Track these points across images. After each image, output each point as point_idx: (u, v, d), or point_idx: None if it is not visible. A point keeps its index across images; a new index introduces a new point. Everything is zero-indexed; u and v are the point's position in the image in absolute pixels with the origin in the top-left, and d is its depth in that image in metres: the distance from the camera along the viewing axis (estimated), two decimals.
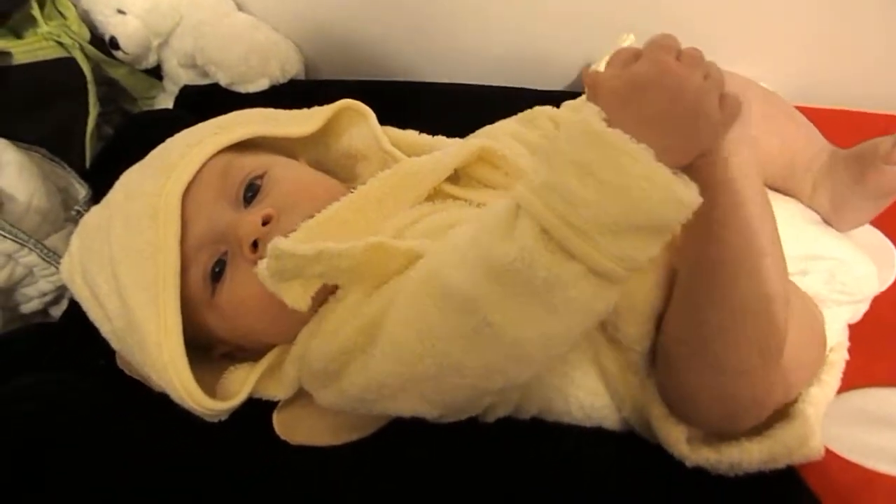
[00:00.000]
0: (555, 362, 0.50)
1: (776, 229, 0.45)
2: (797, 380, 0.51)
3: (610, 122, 0.37)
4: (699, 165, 0.41)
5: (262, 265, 0.44)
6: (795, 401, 0.50)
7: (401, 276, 0.45)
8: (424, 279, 0.42)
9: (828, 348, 0.55)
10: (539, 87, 0.86)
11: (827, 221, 0.60)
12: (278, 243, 0.43)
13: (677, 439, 0.48)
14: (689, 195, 0.37)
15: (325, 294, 0.48)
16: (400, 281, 0.45)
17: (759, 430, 0.48)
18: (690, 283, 0.46)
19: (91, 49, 0.83)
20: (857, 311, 0.58)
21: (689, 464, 0.48)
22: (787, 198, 0.61)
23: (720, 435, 0.49)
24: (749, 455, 0.47)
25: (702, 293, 0.45)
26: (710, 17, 0.83)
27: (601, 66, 0.66)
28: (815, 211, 0.60)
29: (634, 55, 0.41)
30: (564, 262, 0.37)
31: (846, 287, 0.55)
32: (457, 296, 0.40)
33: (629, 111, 0.38)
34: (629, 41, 0.71)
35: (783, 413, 0.49)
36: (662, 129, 0.38)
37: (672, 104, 0.38)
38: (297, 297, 0.45)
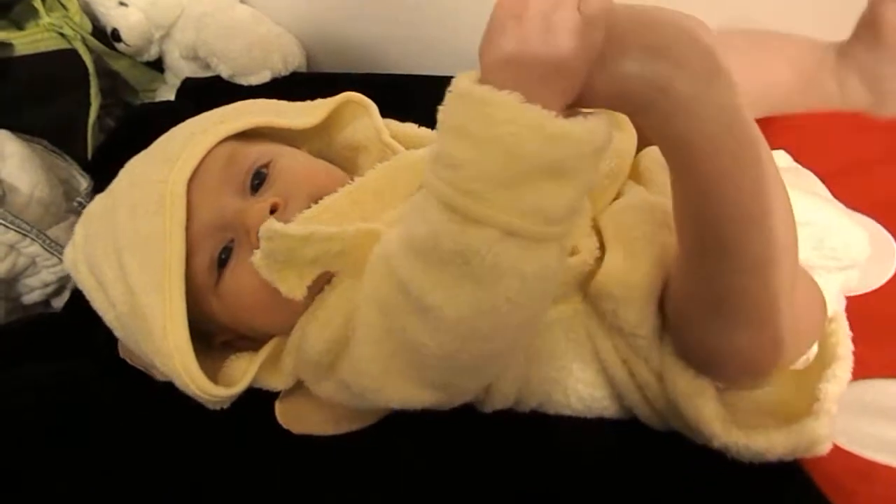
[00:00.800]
0: (524, 340, 0.48)
1: (768, 172, 0.40)
2: (806, 331, 0.50)
3: (481, 77, 0.36)
4: (648, 125, 0.39)
5: (258, 254, 0.45)
6: (817, 399, 0.49)
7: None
8: (377, 255, 0.43)
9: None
10: None
11: (875, 110, 0.56)
12: (270, 224, 0.44)
13: (710, 416, 0.47)
14: (569, 129, 0.34)
15: (322, 284, 0.48)
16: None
17: (787, 421, 0.48)
18: (692, 249, 0.44)
19: (93, 41, 0.83)
20: (850, 280, 0.57)
21: (717, 443, 0.47)
22: (782, 170, 0.60)
23: (747, 422, 0.48)
24: (773, 445, 0.46)
25: (707, 260, 0.43)
26: (712, 13, 0.83)
27: None
28: (854, 105, 0.56)
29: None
30: (471, 230, 0.36)
31: (836, 252, 0.54)
32: (395, 277, 0.40)
33: (492, 55, 0.36)
34: None
35: (806, 409, 0.49)
36: (525, 61, 0.35)
37: (518, 27, 0.35)
38: (293, 285, 0.45)
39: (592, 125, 0.36)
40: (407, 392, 0.45)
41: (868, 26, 0.53)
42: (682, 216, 0.44)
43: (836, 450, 0.53)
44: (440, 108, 0.38)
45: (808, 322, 0.50)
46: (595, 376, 0.51)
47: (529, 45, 0.35)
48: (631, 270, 0.48)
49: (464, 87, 0.36)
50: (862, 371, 0.56)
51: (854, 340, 0.56)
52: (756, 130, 0.40)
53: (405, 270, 0.40)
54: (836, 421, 0.52)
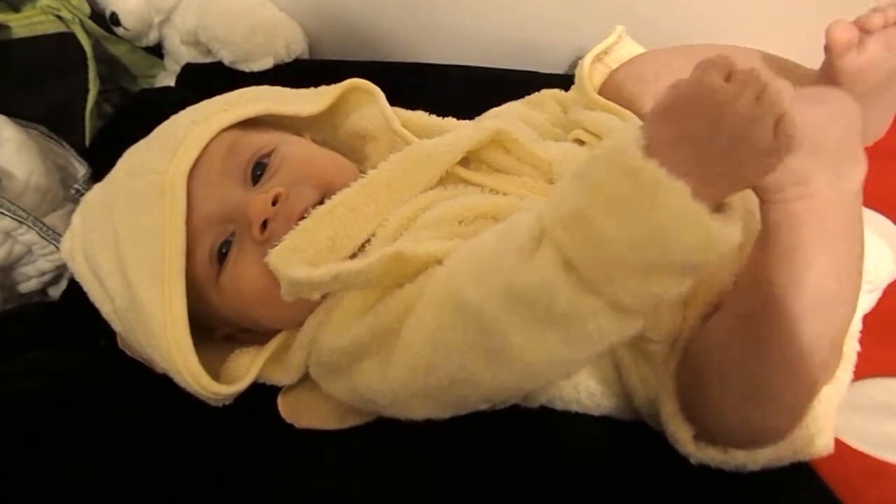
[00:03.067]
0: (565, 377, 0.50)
1: (859, 271, 0.42)
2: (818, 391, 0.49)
3: (649, 144, 0.35)
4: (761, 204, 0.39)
5: (273, 255, 0.44)
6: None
7: (419, 283, 0.44)
8: (444, 293, 0.42)
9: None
10: (543, 71, 0.85)
11: None
12: (292, 274, 0.43)
13: (685, 437, 0.47)
14: (726, 237, 0.34)
15: None
16: (418, 288, 0.44)
17: None
18: (751, 307, 0.43)
19: (91, 24, 0.81)
20: (872, 300, 0.57)
21: (693, 461, 0.47)
22: None
23: None
24: (755, 457, 0.46)
25: (762, 323, 0.42)
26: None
27: (587, 59, 0.66)
28: None
29: (686, 81, 0.36)
30: (584, 296, 0.36)
31: (867, 275, 0.53)
32: (476, 315, 0.39)
33: (668, 136, 0.35)
34: (618, 34, 0.69)
35: None
36: (701, 157, 0.34)
37: (711, 128, 0.34)
38: (315, 296, 0.45)
39: (737, 231, 0.35)
40: (428, 411, 0.45)
41: (828, 77, 0.53)
42: (750, 270, 0.44)
43: (846, 449, 0.52)
44: (597, 160, 0.36)
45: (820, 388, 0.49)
46: (608, 374, 0.51)
47: (733, 134, 0.34)
48: None
49: (633, 160, 0.34)
50: (871, 369, 0.56)
51: (863, 338, 0.55)
52: (860, 217, 0.42)
53: (493, 309, 0.39)
54: (844, 420, 0.52)
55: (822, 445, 0.47)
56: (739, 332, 0.44)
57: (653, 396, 0.49)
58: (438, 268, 0.44)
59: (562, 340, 0.38)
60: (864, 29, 0.50)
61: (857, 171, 0.42)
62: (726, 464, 0.47)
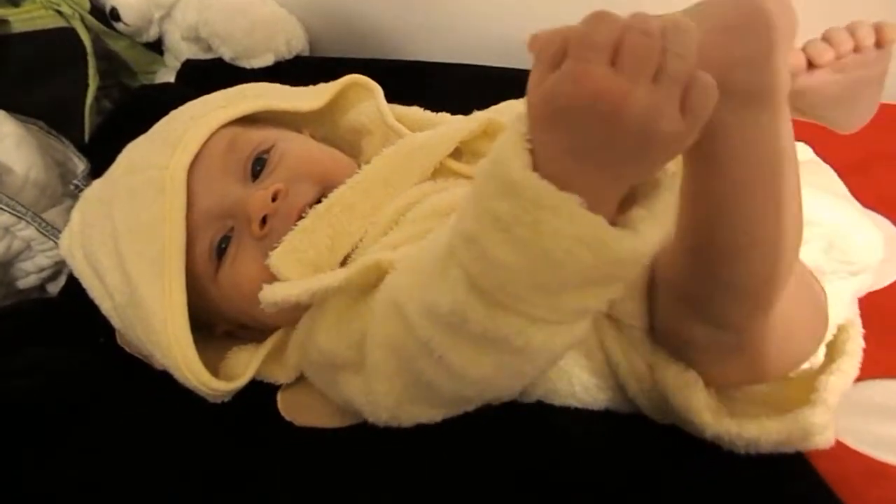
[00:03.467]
0: (539, 379, 0.48)
1: (791, 193, 0.38)
2: (793, 350, 0.49)
3: (535, 152, 0.30)
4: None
5: (274, 257, 0.44)
6: (816, 389, 0.49)
7: (377, 291, 0.43)
8: (388, 304, 0.40)
9: (835, 325, 0.53)
10: None
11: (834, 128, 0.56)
12: (267, 296, 0.44)
13: (699, 406, 0.46)
14: (630, 246, 0.30)
15: None
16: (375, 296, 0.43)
17: (781, 410, 0.47)
18: (693, 235, 0.40)
19: (91, 20, 0.81)
20: (863, 283, 0.56)
21: (709, 433, 0.46)
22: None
23: (741, 410, 0.47)
24: (767, 433, 0.46)
25: (700, 251, 0.40)
26: None
27: None
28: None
29: (560, 49, 0.29)
30: (500, 316, 0.33)
31: (847, 256, 0.52)
32: (412, 331, 0.38)
33: (556, 136, 0.30)
34: None
35: (805, 399, 0.48)
36: (605, 157, 0.30)
37: (609, 133, 0.29)
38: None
39: (650, 235, 0.31)
40: (419, 414, 0.44)
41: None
42: (688, 213, 0.40)
43: (845, 450, 0.52)
44: (483, 171, 0.32)
45: (794, 345, 0.48)
46: (600, 367, 0.50)
47: (635, 135, 0.29)
48: None
49: (512, 174, 0.30)
50: (872, 370, 0.56)
51: (865, 338, 0.55)
52: (793, 150, 0.38)
53: (425, 332, 0.37)
54: (845, 420, 0.52)
55: (829, 438, 0.47)
56: (679, 255, 0.41)
57: (647, 387, 0.49)
58: (389, 275, 0.42)
59: (498, 355, 0.36)
60: (813, 64, 0.50)
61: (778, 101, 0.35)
62: (740, 437, 0.46)
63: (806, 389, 0.49)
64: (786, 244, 0.39)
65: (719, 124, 0.33)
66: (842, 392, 0.51)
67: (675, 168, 0.34)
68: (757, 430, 0.46)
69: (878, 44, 0.51)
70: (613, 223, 0.31)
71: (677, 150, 0.31)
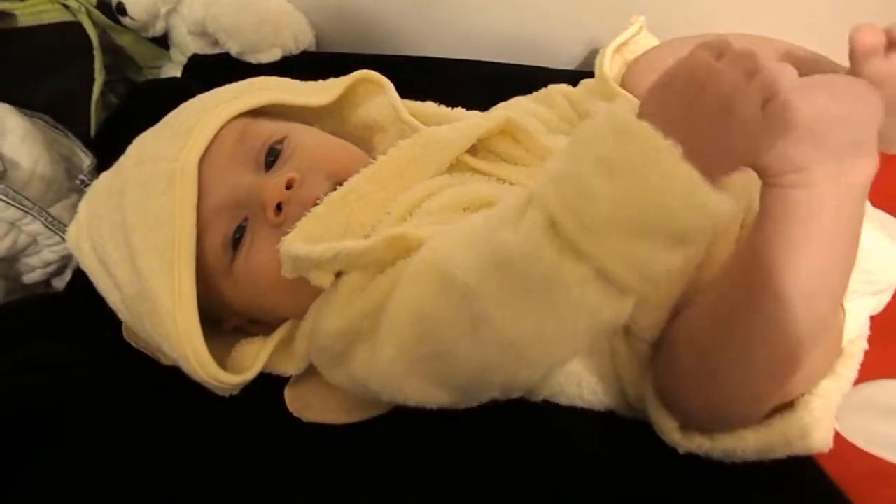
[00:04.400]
0: (556, 368, 0.48)
1: (849, 271, 0.41)
2: (801, 386, 0.49)
3: (641, 113, 0.35)
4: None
5: (286, 241, 0.44)
6: (810, 392, 0.49)
7: (407, 259, 0.43)
8: (428, 262, 0.41)
9: (846, 340, 0.53)
10: (549, 66, 0.85)
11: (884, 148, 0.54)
12: (292, 248, 0.43)
13: (670, 427, 0.47)
14: (714, 203, 0.33)
15: None
16: (406, 263, 0.43)
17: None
18: (728, 297, 0.43)
19: (97, 14, 0.81)
20: (881, 302, 0.56)
21: (681, 451, 0.47)
22: None
23: None
24: (744, 443, 0.46)
25: (737, 313, 0.42)
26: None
27: (609, 50, 0.65)
28: None
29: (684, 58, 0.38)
30: (569, 262, 0.35)
31: (871, 276, 0.52)
32: (457, 282, 0.38)
33: (662, 107, 0.36)
34: (639, 24, 0.69)
35: (787, 403, 0.48)
36: (692, 129, 0.34)
37: (698, 102, 0.35)
38: (322, 279, 0.44)
39: (729, 203, 0.34)
40: (426, 393, 0.43)
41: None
42: (735, 263, 0.43)
43: (855, 450, 0.52)
44: (588, 124, 0.36)
45: (802, 384, 0.49)
46: (608, 371, 0.50)
47: (720, 107, 0.35)
48: None
49: (622, 118, 0.34)
50: (880, 370, 0.55)
51: (872, 340, 0.55)
52: (861, 216, 0.41)
53: (474, 277, 0.37)
54: (853, 421, 0.52)
55: (819, 440, 0.47)
56: (709, 323, 0.43)
57: (641, 393, 0.49)
58: (429, 242, 0.42)
59: (545, 313, 0.36)
60: (892, 39, 0.48)
61: (864, 167, 0.39)
62: (714, 450, 0.46)
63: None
64: (831, 310, 0.42)
65: (800, 169, 0.38)
66: (840, 394, 0.50)
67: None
68: (732, 442, 0.46)
69: None
70: None
71: (753, 145, 0.36)
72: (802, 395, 0.49)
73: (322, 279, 0.44)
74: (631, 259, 0.34)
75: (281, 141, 0.51)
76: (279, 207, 0.48)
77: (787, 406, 0.48)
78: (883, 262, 0.53)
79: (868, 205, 0.58)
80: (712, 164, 0.35)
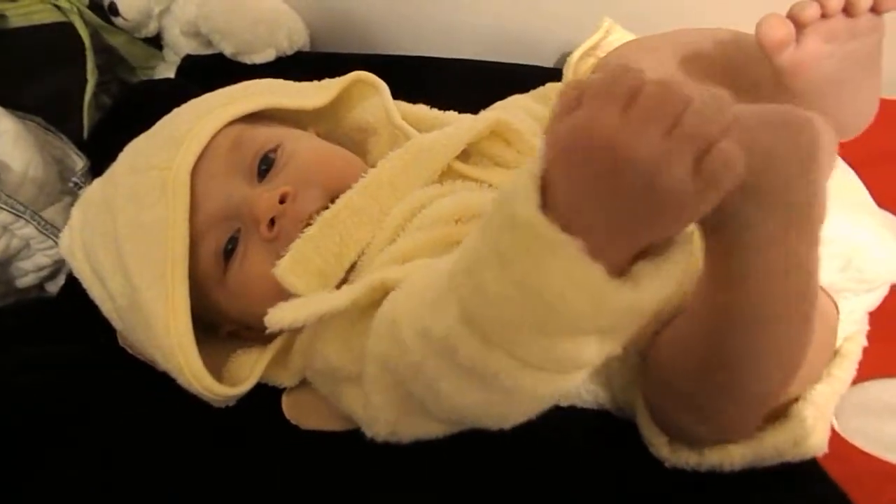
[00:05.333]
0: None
1: (816, 295, 0.37)
2: (795, 389, 0.48)
3: (547, 190, 0.30)
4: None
5: (281, 267, 0.44)
6: (796, 399, 0.48)
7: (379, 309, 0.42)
8: (386, 323, 0.40)
9: (841, 339, 0.53)
10: (545, 65, 0.84)
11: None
12: (274, 320, 0.42)
13: (660, 442, 0.46)
14: (629, 302, 0.29)
15: None
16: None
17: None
18: (707, 321, 0.39)
19: (89, 14, 0.81)
20: (877, 299, 0.56)
21: (668, 465, 0.46)
22: None
23: None
24: (731, 458, 0.45)
25: (716, 342, 0.39)
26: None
27: (575, 55, 0.65)
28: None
29: (578, 97, 0.30)
30: (491, 352, 0.32)
31: (864, 274, 0.51)
32: (405, 353, 0.38)
33: (570, 174, 0.29)
34: (604, 29, 0.68)
35: (778, 412, 0.47)
36: (611, 206, 0.29)
37: (614, 177, 0.28)
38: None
39: (652, 292, 0.30)
40: (421, 428, 0.44)
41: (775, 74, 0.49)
42: (706, 293, 0.38)
43: (857, 452, 0.52)
44: (491, 208, 0.32)
45: (795, 390, 0.48)
46: (601, 373, 0.50)
47: (639, 183, 0.28)
48: None
49: (520, 211, 0.29)
50: (881, 369, 0.55)
51: (873, 339, 0.55)
52: (816, 280, 0.36)
53: (417, 355, 0.37)
54: (855, 422, 0.51)
55: (813, 445, 0.46)
56: (682, 348, 0.42)
57: (630, 399, 0.49)
58: (391, 294, 0.41)
59: (487, 390, 0.35)
60: (797, 22, 0.45)
61: (817, 218, 0.34)
62: (700, 466, 0.45)
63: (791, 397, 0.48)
64: (799, 362, 0.38)
65: (742, 225, 0.33)
66: (836, 397, 0.50)
67: (692, 229, 0.32)
68: (719, 458, 0.45)
69: (875, 8, 0.46)
70: (621, 275, 0.30)
71: (688, 215, 0.29)
72: (796, 401, 0.48)
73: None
74: (554, 356, 0.32)
75: (275, 149, 0.50)
76: (272, 222, 0.47)
77: (778, 416, 0.46)
78: (876, 258, 0.52)
79: (866, 194, 0.58)
80: (642, 238, 0.30)
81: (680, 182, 0.28)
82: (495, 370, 0.33)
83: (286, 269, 0.44)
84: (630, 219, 0.29)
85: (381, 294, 0.42)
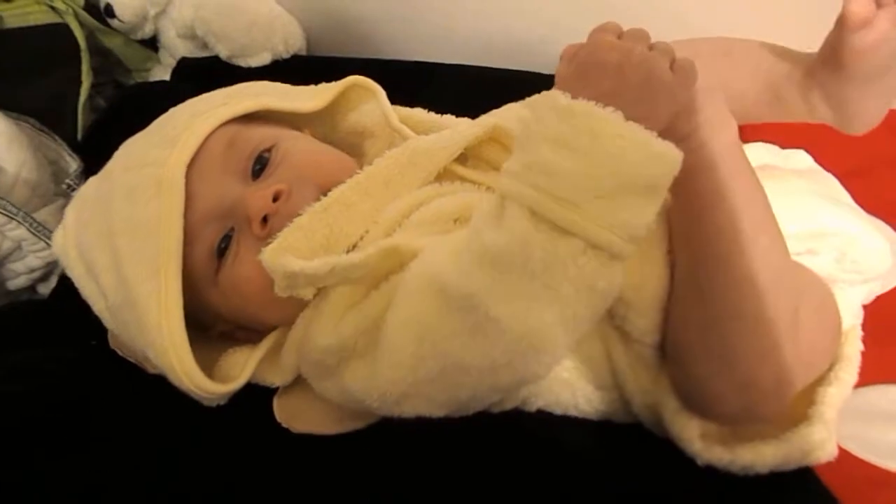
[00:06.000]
0: (565, 354, 0.46)
1: (767, 207, 0.46)
2: (816, 361, 0.50)
3: (573, 97, 0.38)
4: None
5: (267, 252, 0.43)
6: (814, 402, 0.49)
7: (401, 274, 0.43)
8: (420, 278, 0.41)
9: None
10: (542, 71, 0.85)
11: (842, 128, 0.57)
12: (287, 265, 0.42)
13: (691, 436, 0.46)
14: (668, 148, 0.37)
15: None
16: (399, 278, 0.43)
17: (775, 431, 0.47)
18: (687, 268, 0.46)
19: (85, 16, 0.80)
20: (871, 292, 0.56)
21: (700, 462, 0.47)
22: (789, 170, 0.59)
23: (736, 433, 0.47)
24: (762, 458, 0.46)
25: (700, 278, 0.45)
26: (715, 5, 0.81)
27: None
28: (822, 119, 0.57)
29: (580, 46, 0.42)
30: (559, 239, 0.37)
31: (858, 265, 0.53)
32: (454, 293, 0.39)
33: (584, 93, 0.38)
34: None
35: (802, 415, 0.48)
36: (621, 103, 0.38)
37: (621, 76, 0.39)
38: (309, 292, 0.44)
39: (678, 149, 0.37)
40: (423, 409, 0.43)
41: (832, 50, 0.52)
42: (677, 238, 0.47)
43: (849, 458, 0.52)
44: (532, 117, 0.39)
45: (816, 353, 0.49)
46: (606, 379, 0.50)
47: (641, 76, 0.40)
48: (644, 276, 0.47)
49: (565, 102, 0.38)
50: (876, 375, 0.55)
51: (866, 343, 0.55)
52: (746, 163, 0.47)
53: (471, 282, 0.38)
54: (849, 427, 0.51)
55: (830, 451, 0.47)
56: (684, 296, 0.46)
57: (650, 402, 0.49)
58: (420, 255, 0.43)
59: (548, 298, 0.38)
60: (878, 2, 0.49)
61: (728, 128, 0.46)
62: (733, 464, 0.46)
63: (804, 401, 0.49)
64: (769, 246, 0.45)
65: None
66: (842, 401, 0.50)
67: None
68: (752, 456, 0.46)
69: None
70: None
71: (677, 98, 0.42)
72: (815, 405, 0.49)
73: (307, 292, 0.44)
74: (613, 220, 0.37)
75: (270, 149, 0.50)
76: (265, 220, 0.47)
77: (803, 419, 0.48)
78: (869, 250, 0.54)
79: (849, 198, 0.59)
80: (648, 126, 0.38)
81: (668, 73, 0.41)
82: (563, 258, 0.37)
83: (272, 256, 0.43)
84: (640, 107, 0.39)
85: (392, 261, 0.44)
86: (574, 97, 0.38)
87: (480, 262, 0.38)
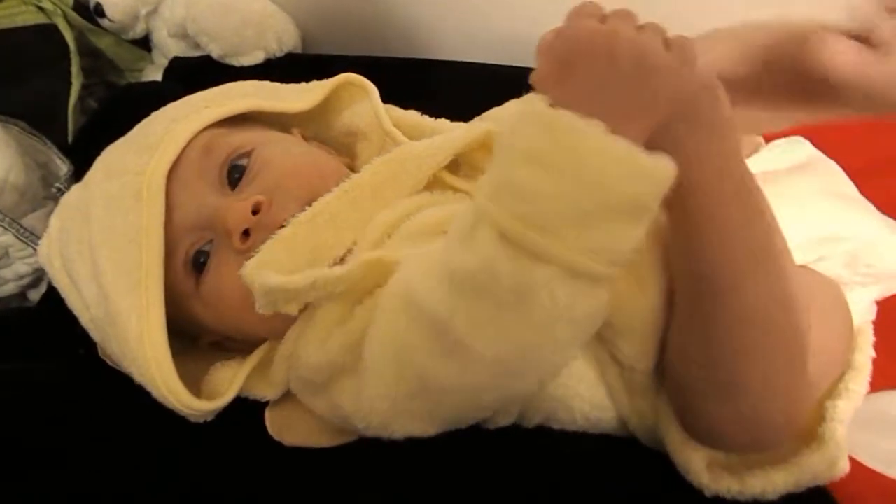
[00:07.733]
0: (555, 373, 0.46)
1: (772, 226, 0.41)
2: (825, 374, 0.48)
3: (554, 102, 0.34)
4: None
5: (247, 267, 0.42)
6: (824, 419, 0.47)
7: (383, 289, 0.42)
8: (397, 296, 0.40)
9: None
10: None
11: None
12: (266, 281, 0.40)
13: (698, 468, 0.45)
14: (657, 163, 0.33)
15: None
16: (381, 294, 0.42)
17: (784, 454, 0.45)
18: (686, 298, 0.42)
19: (74, 16, 0.80)
20: (883, 291, 0.55)
21: (708, 493, 0.45)
22: (791, 168, 0.57)
23: (744, 460, 0.46)
24: (773, 485, 0.44)
25: (700, 309, 0.41)
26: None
27: None
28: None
29: (557, 33, 0.36)
30: (530, 266, 0.34)
31: (871, 269, 0.52)
32: (426, 314, 0.37)
33: (569, 89, 0.34)
34: None
35: (811, 432, 0.47)
36: (611, 96, 0.34)
37: (609, 65, 0.34)
38: (293, 308, 0.43)
39: (669, 163, 0.34)
40: (413, 428, 0.42)
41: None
42: (673, 261, 0.43)
43: (860, 468, 0.50)
44: (507, 128, 0.35)
45: (824, 371, 0.48)
46: (603, 400, 0.48)
47: (633, 62, 0.34)
48: (635, 298, 0.44)
49: (538, 109, 0.34)
50: (885, 382, 0.54)
51: (879, 349, 0.53)
52: (748, 175, 0.40)
53: (440, 306, 0.36)
54: (858, 436, 0.50)
55: (842, 468, 0.46)
56: (684, 326, 0.43)
57: (650, 425, 0.47)
58: (397, 272, 0.41)
59: (521, 325, 0.35)
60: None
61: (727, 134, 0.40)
62: (742, 494, 0.44)
63: (813, 415, 0.48)
64: (779, 273, 0.40)
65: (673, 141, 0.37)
66: (852, 412, 0.49)
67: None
68: (762, 484, 0.44)
69: None
70: None
71: (674, 83, 0.36)
72: (825, 422, 0.47)
73: (292, 308, 0.43)
74: (592, 245, 0.34)
75: (247, 154, 0.49)
76: (247, 233, 0.45)
77: (813, 439, 0.46)
78: (881, 252, 0.53)
79: (854, 189, 0.58)
80: (646, 119, 0.35)
81: (663, 54, 0.35)
82: (534, 285, 0.34)
83: (253, 271, 0.42)
84: (630, 99, 0.35)
85: (376, 274, 0.42)
86: (556, 99, 0.34)
87: (450, 285, 0.36)
